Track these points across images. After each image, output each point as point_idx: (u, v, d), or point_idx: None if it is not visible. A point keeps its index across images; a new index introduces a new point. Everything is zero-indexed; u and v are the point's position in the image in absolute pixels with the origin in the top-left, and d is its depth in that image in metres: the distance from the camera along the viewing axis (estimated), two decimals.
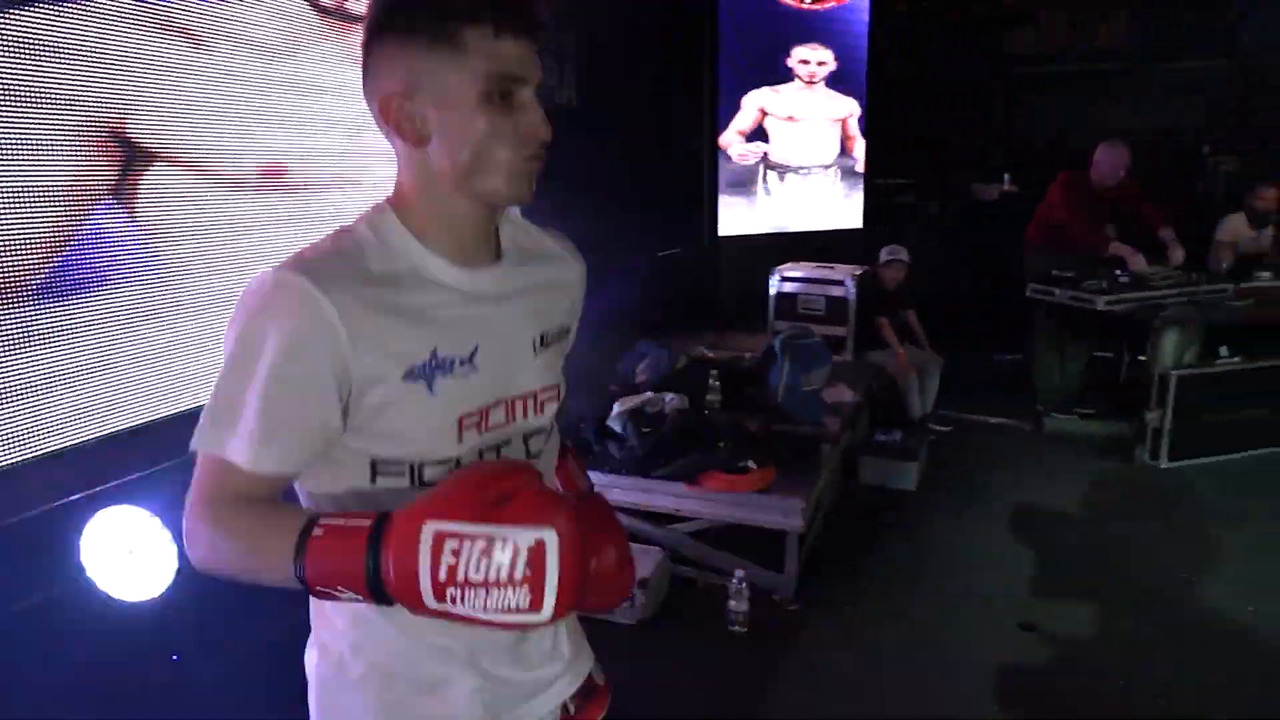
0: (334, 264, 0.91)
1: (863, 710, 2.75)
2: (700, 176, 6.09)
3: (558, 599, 0.77)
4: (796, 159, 6.21)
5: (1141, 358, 5.54)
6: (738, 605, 3.09)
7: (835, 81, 6.30)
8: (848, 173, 6.50)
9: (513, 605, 0.77)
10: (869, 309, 5.07)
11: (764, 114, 6.07)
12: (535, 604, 0.77)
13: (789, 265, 5.36)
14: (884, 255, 5.10)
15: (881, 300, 5.08)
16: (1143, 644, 3.09)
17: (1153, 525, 4.04)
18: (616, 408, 3.57)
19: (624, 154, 5.11)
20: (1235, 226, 5.63)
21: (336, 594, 0.82)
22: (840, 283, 5.08)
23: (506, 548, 0.76)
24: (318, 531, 0.82)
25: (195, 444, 0.90)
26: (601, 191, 5.04)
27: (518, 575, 0.76)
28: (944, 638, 3.15)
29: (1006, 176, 7.01)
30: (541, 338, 1.03)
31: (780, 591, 3.30)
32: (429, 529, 0.77)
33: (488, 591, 0.77)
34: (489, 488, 0.79)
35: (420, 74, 0.89)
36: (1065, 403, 5.35)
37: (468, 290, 0.96)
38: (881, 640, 3.13)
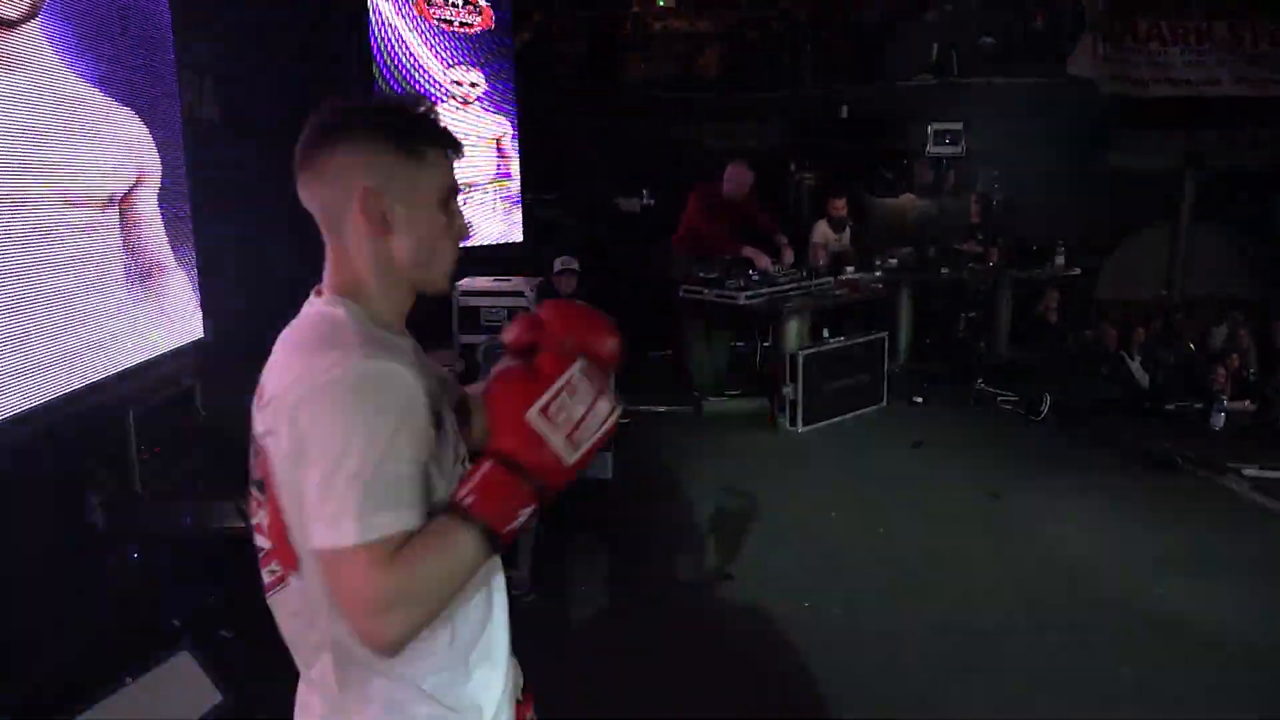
0: (377, 341, 1.04)
1: (607, 680, 3.02)
2: None
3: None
4: (459, 177, 6.35)
5: (765, 344, 6.58)
6: None
7: (487, 102, 6.54)
8: (505, 189, 6.78)
9: (607, 410, 1.06)
10: None
11: None
12: (614, 399, 1.07)
13: (467, 280, 5.49)
14: (558, 265, 5.45)
15: None
16: (810, 570, 3.78)
17: (798, 477, 4.88)
18: None
19: (275, 173, 4.85)
20: (823, 230, 6.89)
21: (517, 519, 1.02)
22: (520, 293, 5.34)
23: (578, 382, 1.04)
24: (466, 500, 1.00)
25: (362, 536, 0.95)
26: (255, 214, 4.74)
27: (593, 390, 1.05)
28: (663, 594, 3.58)
29: (645, 191, 7.79)
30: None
31: (517, 586, 3.46)
32: (530, 415, 1.02)
33: (592, 411, 1.04)
34: (521, 364, 1.09)
35: (392, 176, 1.07)
36: (717, 387, 6.16)
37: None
38: (616, 610, 3.46)
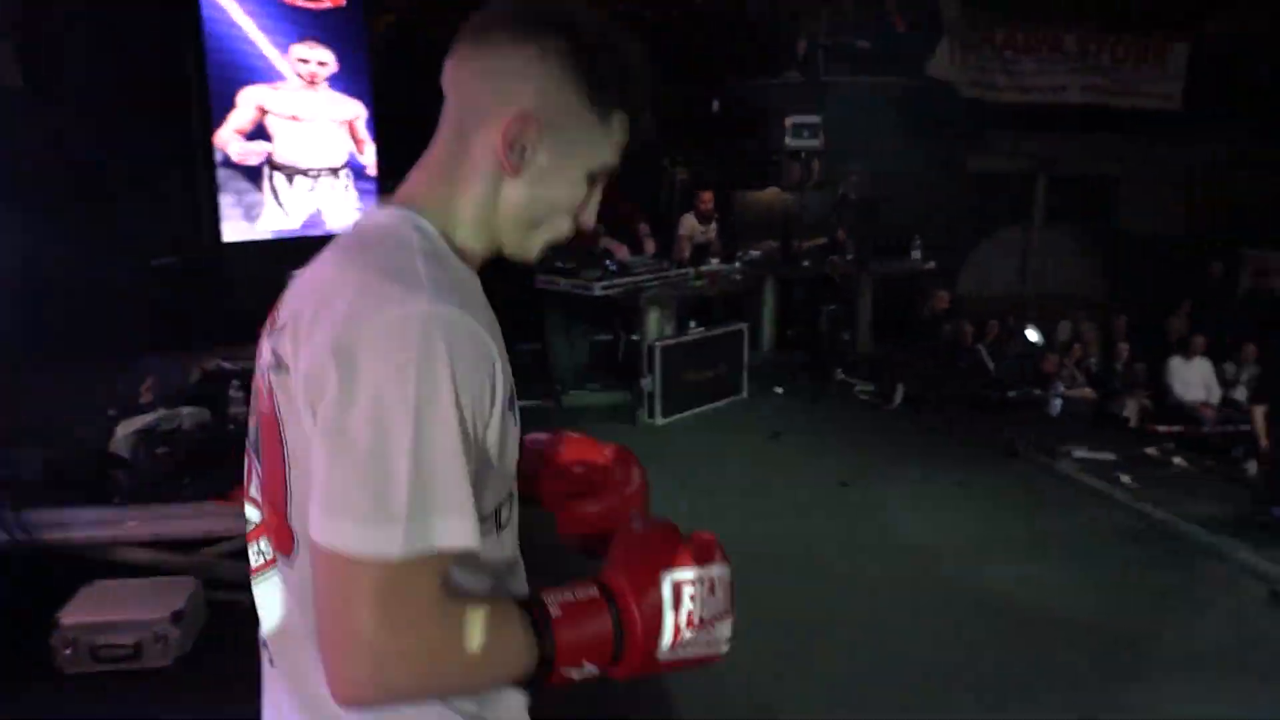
0: (455, 284, 0.80)
1: None
2: (195, 177, 5.56)
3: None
4: (304, 160, 6.00)
5: (635, 337, 6.48)
6: None
7: (338, 83, 6.22)
8: (360, 176, 6.46)
9: (724, 636, 0.87)
10: None
11: (264, 112, 5.75)
12: (728, 633, 0.88)
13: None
14: None
15: None
16: None
17: (654, 469, 4.77)
18: (120, 431, 3.15)
19: (93, 148, 4.46)
20: (690, 223, 6.85)
21: (573, 672, 0.81)
22: None
23: (721, 584, 0.87)
24: (554, 611, 0.79)
25: (408, 546, 0.71)
26: (61, 190, 4.34)
27: (726, 606, 0.87)
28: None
29: None
30: None
31: None
32: (668, 579, 0.83)
33: (713, 628, 0.85)
34: (668, 535, 0.88)
35: (564, 120, 0.85)
36: (578, 380, 6.03)
37: None
38: None
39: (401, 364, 0.71)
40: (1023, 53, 9.49)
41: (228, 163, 5.60)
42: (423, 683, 0.75)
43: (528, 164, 0.85)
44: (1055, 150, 9.61)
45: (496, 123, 0.84)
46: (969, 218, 9.00)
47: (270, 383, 0.82)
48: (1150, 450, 5.17)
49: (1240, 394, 7.25)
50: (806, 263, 6.79)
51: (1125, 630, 3.24)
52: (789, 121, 6.86)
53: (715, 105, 8.34)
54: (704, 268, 5.99)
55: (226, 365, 4.22)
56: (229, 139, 5.61)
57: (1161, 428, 6.39)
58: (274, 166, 5.87)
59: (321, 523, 0.72)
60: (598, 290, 5.28)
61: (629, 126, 0.89)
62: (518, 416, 0.87)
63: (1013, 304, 9.13)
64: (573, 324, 6.06)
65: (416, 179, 0.89)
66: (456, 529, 0.73)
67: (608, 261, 5.55)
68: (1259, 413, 6.16)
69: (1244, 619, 3.38)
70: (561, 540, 1.09)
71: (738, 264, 6.44)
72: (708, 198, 6.77)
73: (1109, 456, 4.96)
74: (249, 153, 5.72)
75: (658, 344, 5.39)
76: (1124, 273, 9.57)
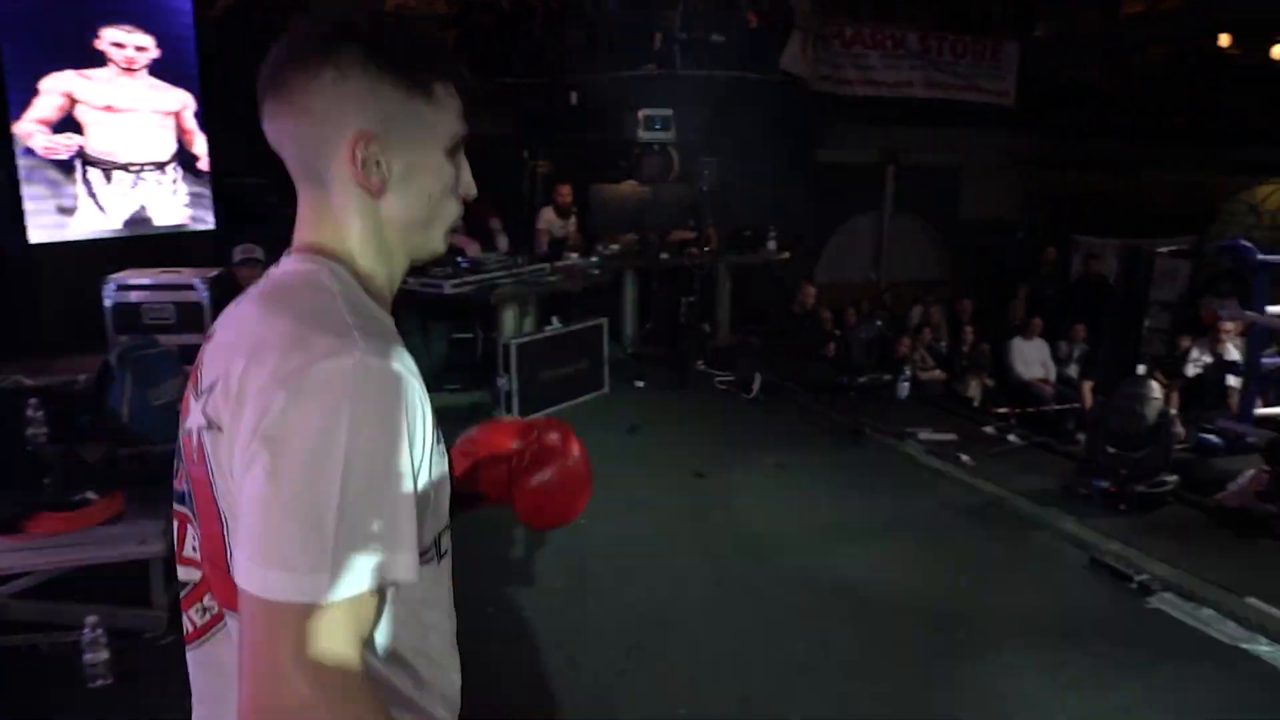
0: (374, 329, 0.80)
1: None
2: None
3: None
4: (124, 154, 5.54)
5: (495, 334, 6.32)
6: (95, 657, 2.70)
7: (162, 71, 5.77)
8: (191, 171, 6.03)
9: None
10: None
11: (74, 101, 5.27)
12: None
13: (128, 273, 4.78)
14: (238, 254, 4.87)
15: None
16: (500, 573, 3.57)
17: None
18: None
19: None
20: (549, 217, 6.76)
21: None
22: (190, 286, 4.72)
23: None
24: None
25: (326, 594, 0.71)
26: None
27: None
28: None
29: None
30: None
31: (151, 629, 2.97)
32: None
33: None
34: None
35: (396, 120, 0.84)
36: (435, 381, 5.83)
37: None
38: None
39: (334, 413, 0.73)
40: (870, 48, 9.84)
41: (31, 155, 5.11)
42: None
43: (387, 176, 0.86)
44: (902, 142, 10.02)
45: (338, 154, 0.85)
46: (822, 208, 9.25)
47: (202, 443, 0.82)
48: (988, 429, 5.43)
49: (1073, 371, 7.77)
50: (665, 255, 6.80)
51: (960, 606, 3.37)
52: (641, 114, 6.85)
53: (574, 98, 8.25)
54: (561, 263, 5.90)
55: (26, 381, 3.84)
56: (32, 130, 5.12)
57: (1003, 409, 6.76)
58: (88, 161, 5.39)
59: (248, 569, 0.73)
60: (448, 289, 5.11)
61: (455, 88, 0.89)
62: (445, 450, 0.89)
63: (866, 291, 9.49)
64: (429, 323, 5.86)
65: (303, 234, 0.89)
66: (405, 562, 0.76)
67: (459, 259, 5.39)
68: (1087, 388, 6.61)
69: (1066, 588, 3.58)
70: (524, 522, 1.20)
71: (595, 258, 6.39)
72: (566, 190, 6.69)
73: (951, 437, 5.18)
74: (58, 146, 5.24)
75: (514, 342, 5.27)
76: (968, 259, 10.10)
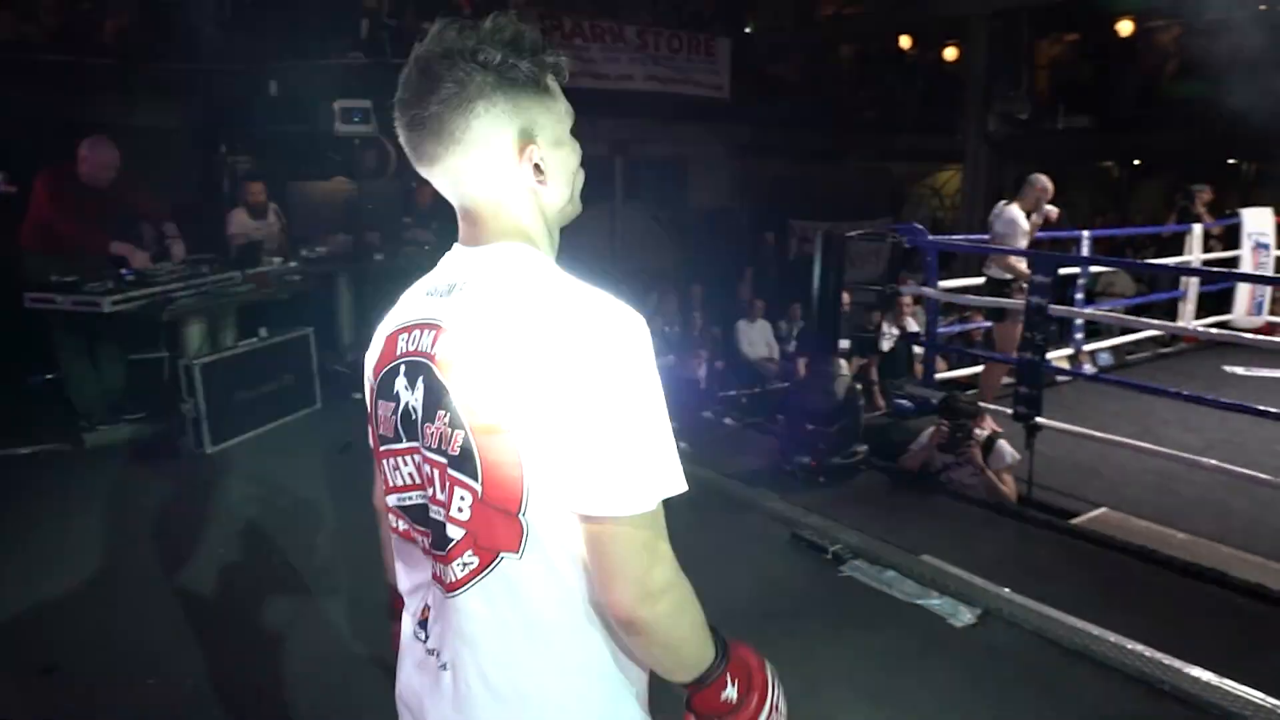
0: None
1: None
2: None
3: None
4: None
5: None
6: None
7: None
8: None
9: None
10: None
11: None
12: None
13: None
14: None
15: None
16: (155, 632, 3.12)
17: (205, 506, 4.14)
18: None
19: None
20: (240, 219, 6.11)
21: (721, 693, 1.04)
22: None
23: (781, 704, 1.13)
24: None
25: (655, 501, 0.95)
26: None
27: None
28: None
29: (2, 175, 6.19)
30: None
31: None
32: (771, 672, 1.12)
33: None
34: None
35: (538, 120, 1.01)
36: (111, 412, 5.08)
37: None
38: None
39: (625, 356, 0.93)
40: (590, 40, 9.90)
41: None
42: (676, 630, 0.99)
43: (546, 165, 1.02)
44: (629, 134, 10.20)
45: (512, 165, 1.01)
46: None
47: (463, 401, 0.97)
48: (706, 413, 5.60)
49: (792, 348, 8.30)
50: (380, 256, 6.39)
51: None
52: (337, 105, 6.38)
53: (273, 87, 7.57)
54: (254, 270, 5.32)
55: None
56: None
57: (727, 392, 7.05)
58: None
59: (590, 497, 0.93)
60: (107, 306, 4.41)
61: (558, 71, 1.04)
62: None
63: (600, 280, 9.57)
64: (97, 346, 5.08)
65: (486, 229, 1.04)
66: (678, 476, 0.97)
67: (123, 271, 4.69)
68: (801, 364, 7.04)
69: (768, 565, 3.70)
70: None
71: (295, 263, 5.85)
72: (257, 189, 6.08)
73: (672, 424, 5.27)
74: None
75: (196, 362, 4.67)
76: (697, 245, 10.50)
